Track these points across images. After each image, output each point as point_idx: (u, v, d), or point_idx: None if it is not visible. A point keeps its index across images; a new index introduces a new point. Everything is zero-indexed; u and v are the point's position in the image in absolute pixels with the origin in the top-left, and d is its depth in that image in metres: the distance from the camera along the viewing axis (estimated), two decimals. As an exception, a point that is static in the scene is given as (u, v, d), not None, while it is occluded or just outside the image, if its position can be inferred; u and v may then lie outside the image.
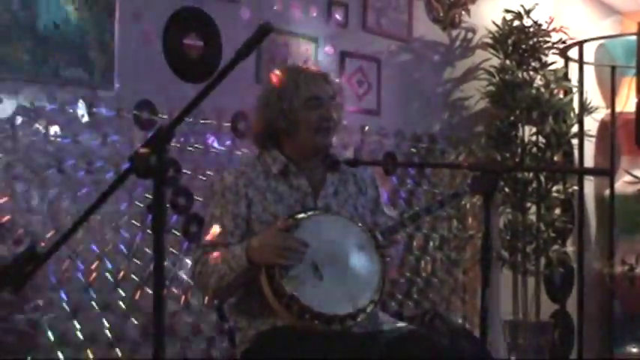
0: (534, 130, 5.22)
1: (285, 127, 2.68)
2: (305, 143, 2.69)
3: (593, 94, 5.87)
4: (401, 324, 2.71)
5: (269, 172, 2.69)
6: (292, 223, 2.51)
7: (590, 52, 5.83)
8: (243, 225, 2.63)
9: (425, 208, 2.84)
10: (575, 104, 5.44)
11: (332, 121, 2.70)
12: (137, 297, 3.57)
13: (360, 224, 2.65)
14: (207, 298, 2.92)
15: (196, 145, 3.82)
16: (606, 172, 4.70)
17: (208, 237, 2.65)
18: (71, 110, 3.42)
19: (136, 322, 3.55)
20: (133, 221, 3.58)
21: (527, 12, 5.21)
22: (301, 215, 2.56)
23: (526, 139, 5.22)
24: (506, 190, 5.14)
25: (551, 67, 5.29)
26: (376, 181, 2.90)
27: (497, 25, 5.25)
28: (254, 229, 2.62)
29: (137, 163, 1.59)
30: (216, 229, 2.63)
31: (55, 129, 3.37)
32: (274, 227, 2.52)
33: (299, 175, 2.70)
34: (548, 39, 5.26)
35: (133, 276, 3.57)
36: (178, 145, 3.74)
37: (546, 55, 5.29)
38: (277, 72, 2.74)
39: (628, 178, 5.63)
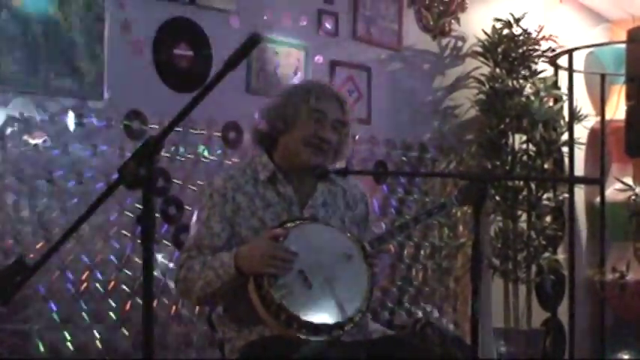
0: (524, 138, 5.23)
1: (283, 129, 2.68)
2: (294, 153, 2.68)
3: (583, 102, 5.88)
4: (391, 333, 2.71)
5: (258, 179, 2.69)
6: (281, 232, 2.51)
7: (579, 60, 5.84)
8: (228, 228, 2.63)
9: (413, 218, 2.84)
10: (565, 112, 5.45)
11: (326, 144, 2.68)
12: (127, 307, 3.56)
13: (348, 234, 2.65)
14: (190, 304, 2.91)
15: (187, 155, 3.82)
16: (597, 181, 4.70)
17: (193, 239, 2.64)
18: (61, 121, 3.42)
19: (126, 333, 3.54)
20: (123, 232, 3.57)
21: (517, 20, 5.22)
22: (290, 224, 2.56)
23: (516, 147, 5.22)
24: (497, 198, 5.15)
25: (540, 76, 5.30)
26: (367, 198, 2.89)
27: (486, 34, 5.27)
28: (240, 233, 2.62)
29: (126, 175, 1.59)
30: (202, 231, 2.63)
31: (44, 139, 3.37)
32: (263, 236, 2.52)
33: (286, 183, 2.70)
34: (537, 47, 5.27)
35: (124, 286, 3.56)
36: (169, 155, 3.74)
37: (536, 64, 5.30)
38: (299, 82, 2.78)
39: (618, 185, 5.64)
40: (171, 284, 3.69)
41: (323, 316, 2.46)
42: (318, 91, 2.70)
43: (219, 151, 3.94)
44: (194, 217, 2.70)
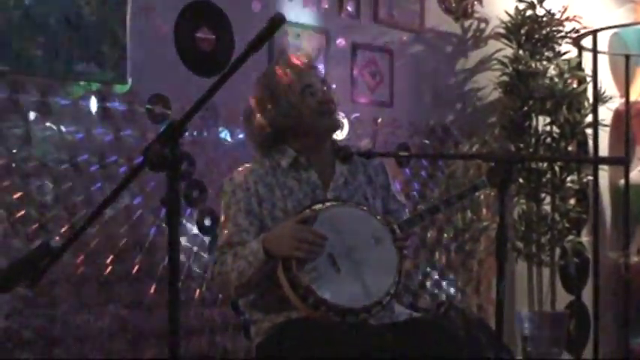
0: (548, 120, 5.19)
1: (291, 124, 2.67)
2: (312, 129, 2.68)
3: (607, 84, 5.83)
4: (416, 315, 2.71)
5: (277, 167, 2.68)
6: (310, 214, 2.51)
7: (603, 41, 5.78)
8: (256, 222, 2.62)
9: (444, 200, 2.84)
10: (589, 94, 5.40)
11: (332, 103, 2.71)
12: (152, 291, 3.57)
13: (378, 217, 2.64)
14: (229, 297, 2.86)
15: (209, 139, 3.82)
16: (622, 160, 4.65)
17: (224, 238, 2.63)
18: (84, 105, 3.43)
19: (151, 316, 3.55)
20: (147, 215, 3.58)
21: (540, 1, 5.17)
22: (319, 206, 2.55)
23: (540, 130, 5.19)
24: (521, 180, 5.12)
25: (564, 57, 5.25)
26: (385, 168, 2.89)
27: (509, 15, 5.23)
28: (267, 225, 2.61)
29: (150, 157, 1.59)
30: (231, 229, 2.62)
31: (68, 124, 3.38)
32: (292, 219, 2.52)
33: (308, 167, 2.69)
34: (561, 28, 5.23)
35: (148, 270, 3.57)
36: (191, 139, 3.74)
37: (559, 45, 5.25)
38: (263, 77, 2.74)
39: (643, 167, 5.60)
40: (196, 269, 3.72)
41: (351, 299, 2.46)
42: (293, 70, 2.70)
43: (240, 135, 3.94)
44: (222, 217, 2.70)
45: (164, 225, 3.56)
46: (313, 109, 2.66)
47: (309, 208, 2.55)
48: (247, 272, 2.51)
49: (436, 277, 4.94)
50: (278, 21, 1.63)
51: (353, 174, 2.77)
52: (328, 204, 2.58)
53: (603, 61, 5.89)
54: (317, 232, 2.48)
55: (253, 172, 2.68)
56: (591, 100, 5.40)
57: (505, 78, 5.18)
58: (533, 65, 5.12)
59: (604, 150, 5.86)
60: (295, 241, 2.44)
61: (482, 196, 5.10)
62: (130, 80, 3.55)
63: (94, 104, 3.46)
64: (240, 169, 2.72)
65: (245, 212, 2.62)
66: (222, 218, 2.68)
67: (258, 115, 2.71)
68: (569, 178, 5.22)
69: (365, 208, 2.67)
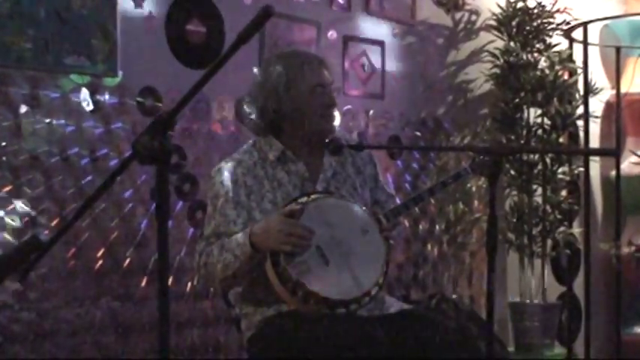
0: (539, 111, 5.19)
1: (291, 114, 2.66)
2: (310, 129, 2.68)
3: (598, 75, 5.83)
4: (407, 307, 2.71)
5: (266, 159, 2.68)
6: (297, 208, 2.50)
7: (594, 33, 5.79)
8: (244, 213, 2.61)
9: (427, 189, 2.84)
10: (580, 85, 5.41)
11: (334, 107, 2.71)
12: (143, 284, 3.57)
13: (364, 207, 2.64)
14: (213, 289, 2.84)
15: (200, 131, 3.82)
16: (612, 152, 4.66)
17: (211, 228, 2.63)
18: (74, 98, 3.42)
19: (141, 310, 3.55)
20: (138, 208, 3.58)
21: (531, -7, 5.18)
22: (305, 199, 2.55)
23: (531, 121, 5.19)
24: (512, 172, 5.13)
25: (555, 49, 5.25)
26: (374, 159, 2.89)
27: (500, 7, 5.23)
28: (255, 217, 2.60)
29: (139, 150, 1.58)
30: (218, 219, 2.62)
31: (58, 117, 3.37)
32: (278, 213, 2.51)
33: (296, 160, 2.68)
34: (552, 20, 5.23)
35: (139, 263, 3.57)
36: (182, 131, 3.74)
37: (550, 37, 5.26)
38: (279, 59, 2.72)
39: (634, 159, 5.60)
40: (187, 262, 3.71)
41: (340, 291, 2.46)
42: (309, 64, 2.68)
43: (232, 127, 3.94)
44: (208, 208, 2.69)
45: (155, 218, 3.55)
46: (318, 109, 2.66)
47: (295, 201, 2.54)
48: (233, 265, 2.50)
49: (428, 268, 4.94)
50: (266, 13, 1.62)
51: (342, 165, 2.77)
52: (314, 196, 2.57)
53: (594, 52, 5.90)
54: (304, 226, 2.47)
55: (241, 164, 2.67)
56: (582, 91, 5.40)
57: (496, 70, 5.19)
58: (524, 57, 5.12)
59: (595, 141, 5.87)
60: (282, 236, 2.43)
61: (474, 188, 5.11)
62: (120, 73, 3.54)
63: (84, 97, 3.45)
64: (228, 159, 2.71)
65: (233, 203, 2.61)
66: (209, 208, 2.68)
67: (262, 97, 2.68)
68: (560, 170, 5.23)
69: (351, 199, 2.67)
